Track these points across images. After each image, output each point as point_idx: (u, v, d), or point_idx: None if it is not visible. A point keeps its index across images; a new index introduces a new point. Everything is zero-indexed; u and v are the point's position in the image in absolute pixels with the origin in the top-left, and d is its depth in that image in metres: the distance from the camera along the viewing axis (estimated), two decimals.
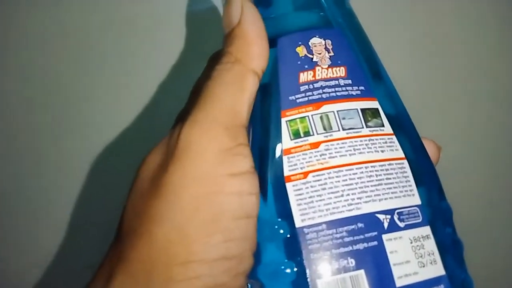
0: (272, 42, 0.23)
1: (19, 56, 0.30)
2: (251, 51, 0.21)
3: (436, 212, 0.22)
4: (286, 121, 0.21)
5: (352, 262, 0.19)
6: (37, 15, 0.29)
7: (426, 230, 0.21)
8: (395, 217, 0.20)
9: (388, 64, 0.24)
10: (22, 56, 0.30)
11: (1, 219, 0.30)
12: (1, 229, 0.30)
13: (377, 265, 0.19)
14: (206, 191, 0.19)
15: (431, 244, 0.20)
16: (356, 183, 0.20)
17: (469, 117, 0.36)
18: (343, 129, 0.21)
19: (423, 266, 0.20)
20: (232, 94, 0.20)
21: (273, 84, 0.22)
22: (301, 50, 0.22)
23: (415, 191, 0.21)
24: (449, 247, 0.21)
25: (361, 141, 0.21)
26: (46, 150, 0.30)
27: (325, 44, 0.23)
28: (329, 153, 0.21)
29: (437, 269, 0.20)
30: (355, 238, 0.20)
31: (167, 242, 0.18)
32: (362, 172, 0.21)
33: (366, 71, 0.23)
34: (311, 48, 0.22)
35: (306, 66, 0.22)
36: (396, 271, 0.19)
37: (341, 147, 0.21)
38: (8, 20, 0.29)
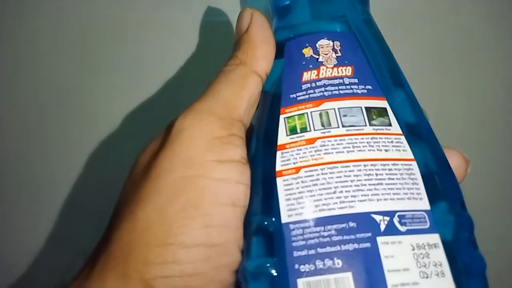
0: (283, 49, 0.23)
1: (23, 51, 0.33)
2: (255, 54, 0.22)
3: (453, 225, 0.19)
4: (284, 118, 0.21)
5: (338, 263, 0.18)
6: (46, 12, 0.32)
7: (434, 238, 0.18)
8: (395, 220, 0.18)
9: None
10: (28, 53, 0.33)
11: None
12: None
13: (367, 269, 0.17)
14: (191, 174, 0.19)
15: (439, 254, 0.18)
16: (352, 181, 0.19)
17: (486, 125, 0.32)
18: (343, 126, 0.20)
19: (426, 277, 0.17)
20: (231, 90, 0.21)
21: (277, 86, 0.22)
22: (307, 51, 0.22)
23: (424, 195, 0.19)
24: (467, 263, 0.18)
25: (362, 138, 0.20)
26: (44, 139, 0.32)
27: (333, 46, 0.22)
28: (325, 149, 0.20)
29: (445, 283, 0.17)
30: (345, 237, 0.18)
31: (147, 223, 0.18)
32: (359, 170, 0.19)
33: (386, 77, 0.22)
34: (317, 49, 0.22)
35: (310, 66, 0.22)
36: (391, 278, 0.17)
37: (338, 144, 0.20)
38: (8, 16, 0.32)
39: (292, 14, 0.25)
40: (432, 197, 0.19)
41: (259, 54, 0.22)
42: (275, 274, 0.18)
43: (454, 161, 0.22)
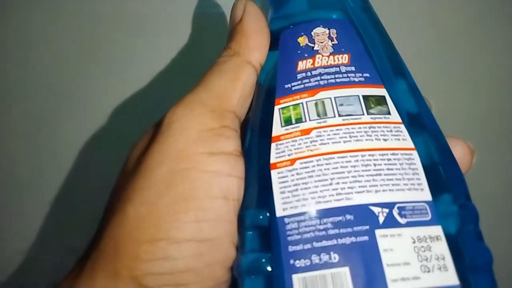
0: (278, 40, 0.22)
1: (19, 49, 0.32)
2: (249, 44, 0.21)
3: (457, 217, 0.18)
4: (279, 109, 0.20)
5: (335, 257, 0.17)
6: (42, 11, 0.32)
7: (436, 230, 0.17)
8: (395, 212, 0.17)
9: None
10: (22, 52, 0.32)
11: None
12: None
13: (365, 264, 0.16)
14: (182, 167, 0.18)
15: (441, 247, 0.17)
16: (349, 172, 0.18)
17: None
18: (340, 116, 0.19)
19: (428, 271, 0.16)
20: (224, 81, 0.20)
21: (272, 76, 0.22)
22: (303, 40, 0.22)
23: (425, 186, 0.18)
24: (473, 257, 0.17)
25: (359, 128, 0.19)
26: (34, 136, 0.32)
27: (329, 33, 0.21)
28: (321, 140, 0.19)
29: (448, 278, 0.16)
30: (342, 231, 0.17)
31: (137, 218, 0.18)
32: (356, 161, 0.18)
33: (386, 65, 0.22)
34: (313, 38, 0.21)
35: (305, 55, 0.21)
36: (390, 273, 0.16)
37: (334, 134, 0.19)
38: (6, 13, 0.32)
39: (288, 4, 0.24)
40: (435, 188, 0.18)
41: (253, 45, 0.21)
42: (270, 269, 0.17)
43: (458, 151, 0.21)
